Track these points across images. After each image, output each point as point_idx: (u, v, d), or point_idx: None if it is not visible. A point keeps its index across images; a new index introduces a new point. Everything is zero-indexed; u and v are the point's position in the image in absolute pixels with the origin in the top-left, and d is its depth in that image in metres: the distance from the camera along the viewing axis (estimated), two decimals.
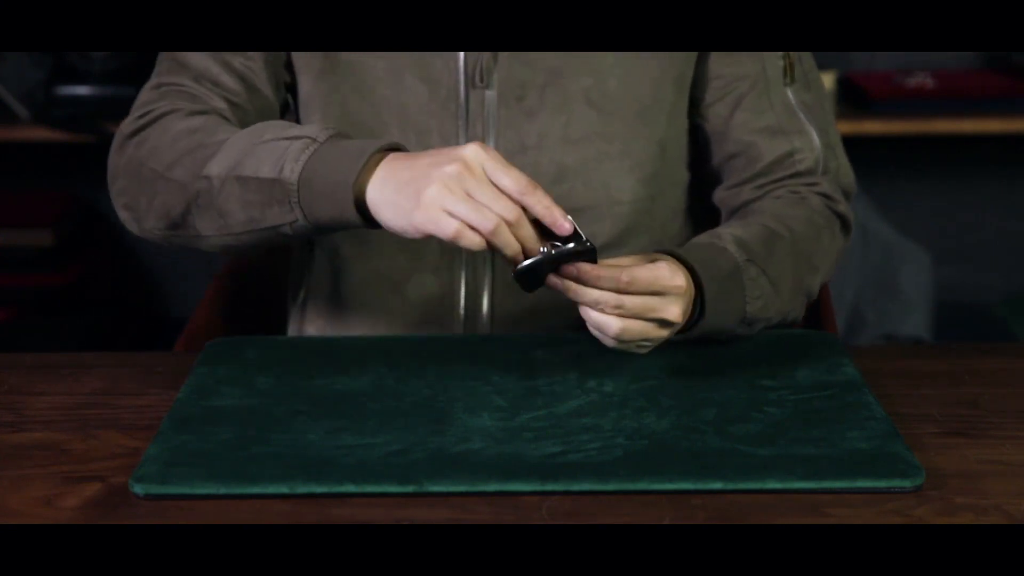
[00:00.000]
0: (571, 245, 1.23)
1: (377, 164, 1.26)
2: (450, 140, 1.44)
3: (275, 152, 1.29)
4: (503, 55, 1.43)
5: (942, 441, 1.23)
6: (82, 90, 2.81)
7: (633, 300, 1.24)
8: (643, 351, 1.29)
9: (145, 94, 1.47)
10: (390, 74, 1.45)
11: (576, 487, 1.13)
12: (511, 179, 1.21)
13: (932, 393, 1.33)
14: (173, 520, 1.10)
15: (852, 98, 2.92)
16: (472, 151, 1.22)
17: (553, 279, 1.24)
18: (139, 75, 2.75)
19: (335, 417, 1.24)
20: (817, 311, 1.61)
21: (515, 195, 1.21)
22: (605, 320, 1.24)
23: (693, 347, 1.38)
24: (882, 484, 1.14)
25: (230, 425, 1.23)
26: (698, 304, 1.32)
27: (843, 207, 1.50)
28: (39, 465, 1.20)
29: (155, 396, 1.33)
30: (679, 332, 1.32)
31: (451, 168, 1.21)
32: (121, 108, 2.71)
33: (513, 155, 1.45)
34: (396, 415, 1.25)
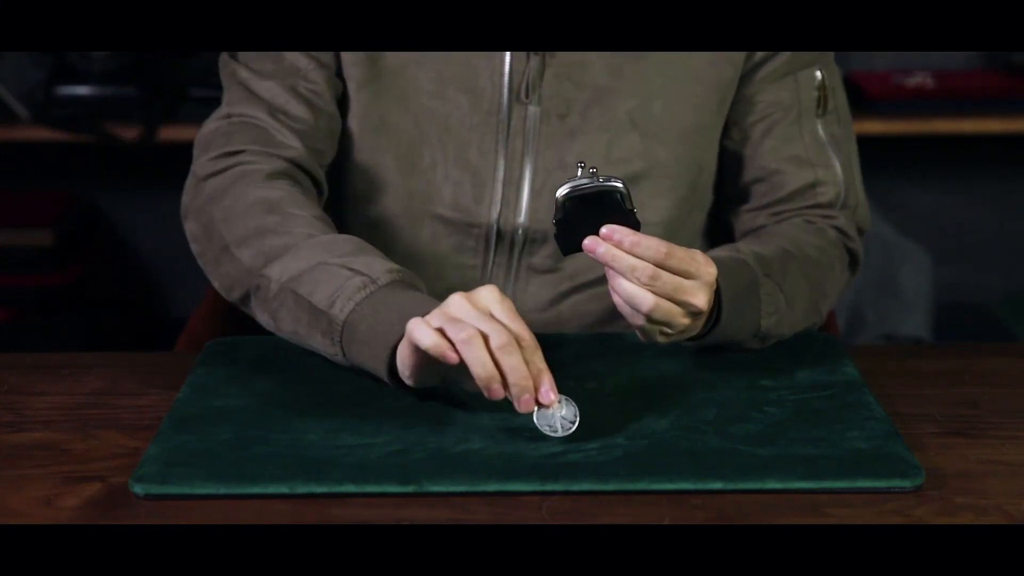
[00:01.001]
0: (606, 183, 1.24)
1: None
2: (488, 154, 1.44)
3: (335, 281, 1.27)
4: (550, 71, 1.42)
5: (942, 441, 1.23)
6: (82, 90, 2.81)
7: (667, 277, 1.22)
8: (663, 340, 1.27)
9: (214, 123, 1.46)
10: (434, 85, 1.43)
11: (576, 487, 1.13)
12: (515, 325, 1.18)
13: (932, 393, 1.33)
14: (173, 520, 1.10)
15: (852, 98, 2.91)
16: (487, 291, 1.20)
17: (589, 241, 1.22)
18: (139, 75, 2.77)
19: (335, 417, 1.24)
20: None
21: (514, 333, 1.17)
22: (639, 294, 1.22)
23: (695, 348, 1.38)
24: (882, 484, 1.14)
25: (230, 425, 1.23)
26: (714, 313, 1.31)
27: (856, 245, 1.50)
28: (39, 465, 1.20)
29: (155, 396, 1.33)
30: (692, 339, 1.31)
31: (455, 300, 1.19)
32: (121, 108, 2.73)
33: (552, 172, 1.44)
34: (396, 415, 1.25)
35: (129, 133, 2.69)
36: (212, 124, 1.46)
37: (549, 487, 1.13)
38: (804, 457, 1.17)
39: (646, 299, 1.22)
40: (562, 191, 1.24)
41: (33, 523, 1.10)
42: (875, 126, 2.83)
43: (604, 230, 1.22)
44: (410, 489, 1.13)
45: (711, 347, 1.34)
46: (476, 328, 1.16)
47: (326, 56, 1.46)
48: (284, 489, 1.13)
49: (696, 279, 1.24)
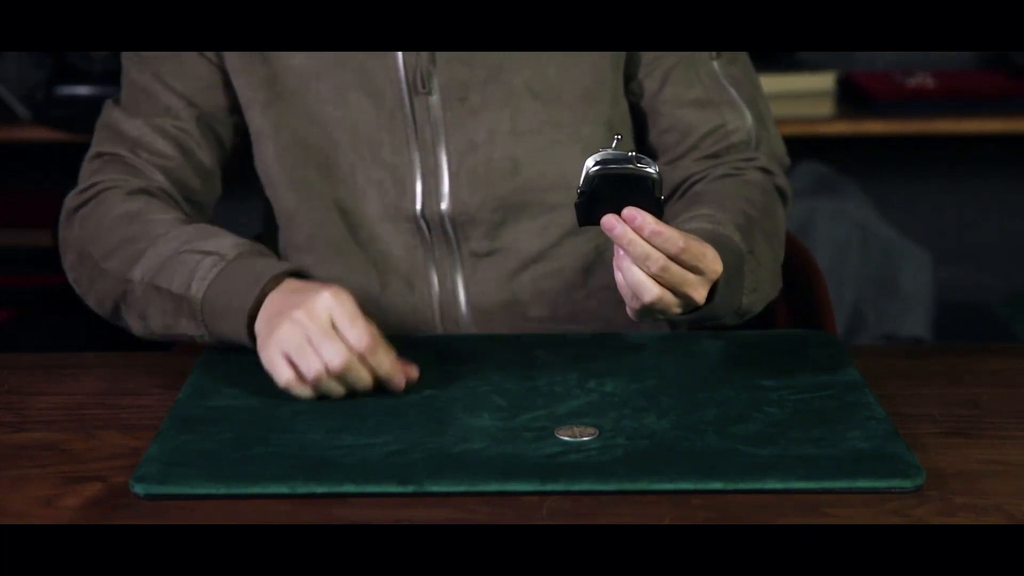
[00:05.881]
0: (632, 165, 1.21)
1: (274, 289, 1.31)
2: (401, 150, 1.46)
3: (188, 266, 1.35)
4: (441, 58, 1.44)
5: (942, 441, 1.23)
6: (82, 90, 2.81)
7: (676, 270, 1.22)
8: (649, 320, 1.27)
9: (86, 165, 1.52)
10: (335, 94, 1.46)
11: (576, 487, 1.13)
12: (353, 336, 1.26)
13: (932, 393, 1.33)
14: (173, 520, 1.10)
15: (852, 98, 2.91)
16: (324, 300, 1.26)
17: (609, 218, 1.21)
18: None
19: (335, 417, 1.24)
20: (817, 311, 1.61)
21: (356, 351, 1.26)
22: (646, 284, 1.21)
23: (693, 346, 1.38)
24: (882, 484, 1.14)
25: (230, 425, 1.23)
26: None
27: (782, 180, 1.51)
28: (39, 465, 1.20)
29: (155, 396, 1.33)
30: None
31: (298, 313, 1.26)
32: None
33: (464, 154, 1.46)
34: (396, 415, 1.25)
35: None
36: (84, 166, 1.52)
37: (549, 487, 1.13)
38: (804, 457, 1.17)
39: (651, 291, 1.22)
40: (594, 166, 1.21)
41: (33, 523, 1.10)
42: (875, 126, 2.83)
43: (627, 211, 1.20)
44: (410, 489, 1.13)
45: (692, 322, 1.33)
46: (320, 360, 1.25)
47: (203, 95, 1.49)
48: (284, 489, 1.13)
49: (702, 275, 1.23)
